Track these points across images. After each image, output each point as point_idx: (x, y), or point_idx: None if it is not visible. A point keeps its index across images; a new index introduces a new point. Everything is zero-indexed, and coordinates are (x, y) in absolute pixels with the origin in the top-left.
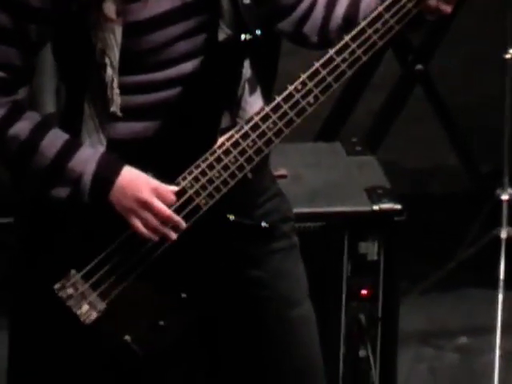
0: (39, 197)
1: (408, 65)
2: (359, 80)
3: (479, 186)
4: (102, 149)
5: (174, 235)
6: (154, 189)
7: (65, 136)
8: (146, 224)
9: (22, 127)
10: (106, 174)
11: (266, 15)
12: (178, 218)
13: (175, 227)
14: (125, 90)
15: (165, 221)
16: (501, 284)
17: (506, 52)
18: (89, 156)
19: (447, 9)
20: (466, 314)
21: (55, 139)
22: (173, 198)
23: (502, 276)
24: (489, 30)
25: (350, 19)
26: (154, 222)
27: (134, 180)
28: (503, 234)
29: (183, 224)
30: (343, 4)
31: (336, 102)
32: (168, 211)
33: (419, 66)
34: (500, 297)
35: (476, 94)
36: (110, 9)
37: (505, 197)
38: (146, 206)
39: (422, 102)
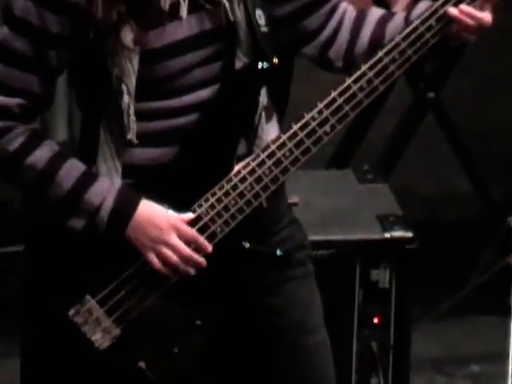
0: (55, 226)
1: (420, 92)
2: (371, 107)
3: (492, 212)
4: (119, 181)
5: (191, 272)
6: (173, 226)
7: (82, 167)
8: (164, 262)
9: (40, 156)
10: (124, 209)
11: (287, 40)
12: (198, 257)
13: (195, 265)
14: (141, 116)
15: (184, 259)
16: None
17: None
18: (106, 189)
19: (471, 38)
20: (479, 342)
21: (72, 170)
22: (192, 233)
23: None
24: (500, 56)
25: (376, 44)
26: (172, 258)
27: (152, 216)
28: None
29: (204, 262)
30: (369, 29)
31: (348, 129)
32: (187, 250)
33: (431, 94)
34: (511, 324)
35: (488, 120)
36: (127, 37)
37: None
38: (165, 244)
39: (434, 128)
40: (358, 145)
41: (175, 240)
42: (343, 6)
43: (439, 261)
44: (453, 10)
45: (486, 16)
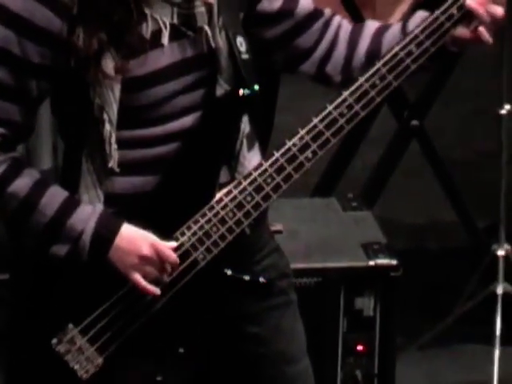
0: (38, 254)
1: (404, 120)
2: (355, 135)
3: (476, 241)
4: (100, 206)
5: (169, 269)
6: (153, 244)
7: (64, 193)
8: (147, 277)
9: (22, 185)
10: (106, 233)
11: (284, 60)
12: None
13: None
14: (123, 144)
15: (165, 273)
16: (497, 340)
17: (502, 107)
18: (88, 214)
19: (489, 38)
20: (463, 370)
21: (54, 197)
22: (171, 253)
23: (498, 332)
24: (484, 86)
25: (373, 56)
26: (155, 274)
27: (133, 238)
28: (499, 290)
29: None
30: (365, 41)
31: (332, 158)
32: (173, 256)
33: (415, 122)
34: (496, 353)
35: (472, 149)
36: (108, 66)
37: (501, 252)
38: (146, 260)
39: (418, 157)
40: (342, 173)
41: (154, 255)
42: (337, 20)
43: (423, 289)
44: (472, 3)
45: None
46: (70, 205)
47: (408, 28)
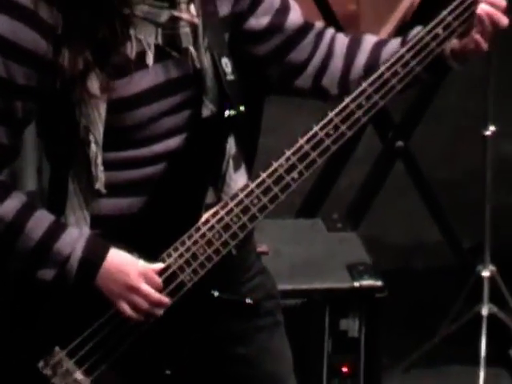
0: (24, 277)
1: (388, 141)
2: (340, 155)
3: (461, 261)
4: (87, 230)
5: (160, 312)
6: (142, 273)
7: (51, 217)
8: (134, 307)
9: (8, 208)
10: (93, 258)
11: (278, 76)
12: (166, 299)
13: (162, 306)
14: (110, 166)
15: (154, 304)
16: (482, 361)
17: (487, 129)
18: (75, 238)
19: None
20: None
21: (41, 220)
22: (159, 281)
23: (483, 353)
24: (469, 107)
25: (372, 68)
26: (143, 305)
27: (120, 264)
28: (484, 312)
29: (168, 302)
30: (363, 55)
31: (317, 178)
32: (157, 295)
33: (400, 143)
34: (482, 374)
35: (457, 169)
36: (94, 85)
37: (486, 273)
38: (134, 290)
39: (403, 177)
40: (327, 193)
41: (144, 287)
42: (330, 32)
43: (409, 310)
44: (480, 8)
45: (503, 17)
46: (57, 228)
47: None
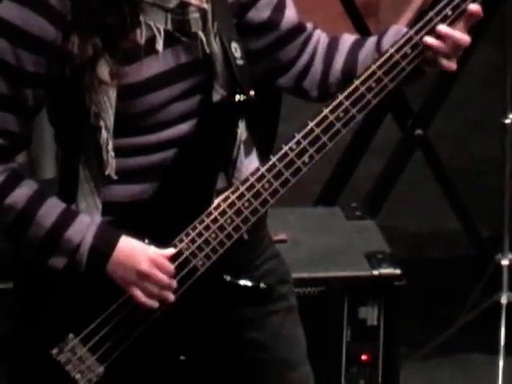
0: (36, 264)
1: (407, 129)
2: (359, 144)
3: (480, 250)
4: (98, 218)
5: (172, 297)
6: (153, 259)
7: (62, 205)
8: (146, 293)
9: (19, 196)
10: (103, 246)
11: (263, 73)
12: (175, 284)
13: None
14: (120, 152)
15: (164, 288)
16: (501, 349)
17: (506, 117)
18: (85, 226)
19: (451, 66)
20: (467, 380)
21: (52, 208)
22: (171, 267)
23: (502, 341)
24: (488, 95)
25: (349, 73)
26: (154, 290)
27: (131, 252)
28: (503, 300)
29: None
30: (341, 57)
31: (336, 167)
32: (167, 280)
33: (419, 131)
34: (501, 362)
35: (476, 158)
36: (103, 72)
37: (505, 262)
38: (145, 277)
39: (421, 166)
40: (345, 182)
41: (156, 272)
42: (316, 34)
43: (427, 298)
44: (429, 39)
45: (464, 36)
46: (68, 216)
47: (382, 44)
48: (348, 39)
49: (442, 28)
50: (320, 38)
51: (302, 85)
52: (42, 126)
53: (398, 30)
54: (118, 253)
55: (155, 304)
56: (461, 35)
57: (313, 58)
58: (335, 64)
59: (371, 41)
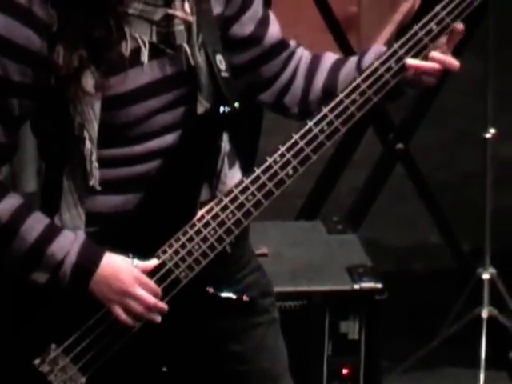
0: (18, 278)
1: (389, 143)
2: (341, 158)
3: (461, 264)
4: (82, 234)
5: (158, 318)
6: (137, 278)
7: (46, 220)
8: (128, 312)
9: (4, 209)
10: (87, 264)
11: (245, 88)
12: (162, 304)
13: (160, 311)
14: (104, 163)
15: (149, 308)
16: (482, 363)
17: (487, 131)
18: (69, 243)
19: (431, 81)
20: None
21: (36, 223)
22: (154, 286)
23: (483, 355)
24: (469, 109)
25: (329, 91)
26: (137, 309)
27: (115, 270)
28: (484, 314)
29: (166, 308)
30: (322, 75)
31: (317, 180)
32: (152, 299)
33: (400, 145)
34: (482, 376)
35: (457, 171)
36: (88, 83)
37: (486, 276)
38: (129, 295)
39: (403, 179)
40: (327, 196)
41: (139, 291)
42: (299, 51)
43: (408, 312)
44: (413, 62)
45: (454, 62)
46: (51, 232)
47: (363, 63)
48: (330, 58)
49: (436, 55)
50: (303, 55)
51: (283, 101)
52: (24, 139)
53: (378, 50)
54: (101, 271)
55: (136, 322)
56: (451, 60)
57: (295, 74)
58: (316, 82)
59: (352, 60)
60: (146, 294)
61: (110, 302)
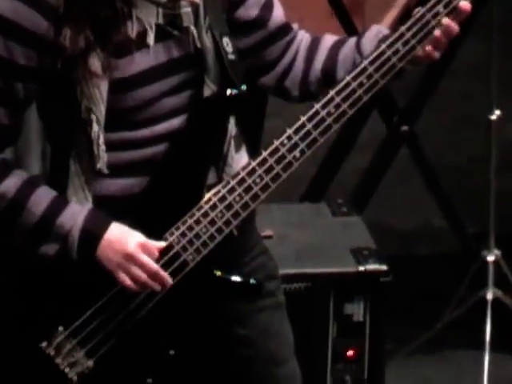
0: (27, 255)
1: (393, 126)
2: (345, 141)
3: (465, 246)
4: (89, 205)
5: (159, 288)
6: (141, 244)
7: (52, 193)
8: (132, 278)
9: (10, 185)
10: (94, 229)
11: (248, 70)
12: (164, 273)
13: (162, 282)
14: (111, 146)
15: (152, 275)
16: (487, 346)
17: (492, 113)
18: (76, 212)
19: (436, 55)
20: (453, 376)
21: (43, 196)
22: (157, 254)
23: (488, 338)
24: (474, 92)
25: (328, 72)
26: (141, 275)
27: (121, 235)
28: (489, 296)
29: (170, 280)
30: (321, 57)
31: (322, 163)
32: (155, 266)
33: (405, 128)
34: (486, 358)
35: (462, 154)
36: (95, 64)
37: (490, 258)
38: (133, 260)
39: (407, 162)
40: (331, 178)
41: (143, 257)
42: (300, 35)
43: (413, 295)
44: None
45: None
46: (59, 204)
47: (362, 45)
48: (329, 39)
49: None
50: (303, 38)
51: (284, 84)
52: (28, 123)
53: (378, 31)
54: (108, 236)
55: (141, 289)
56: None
57: (295, 57)
58: (316, 63)
59: (351, 41)
60: (149, 259)
61: (115, 268)
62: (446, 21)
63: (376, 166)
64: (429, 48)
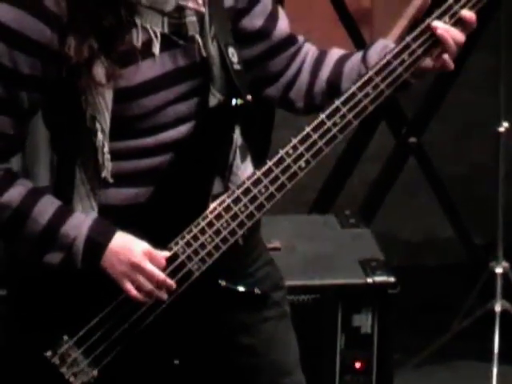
0: (32, 264)
1: (402, 137)
2: (353, 152)
3: (473, 258)
4: (94, 214)
5: (165, 297)
6: (147, 253)
7: (57, 202)
8: (138, 287)
9: (14, 194)
10: (98, 238)
11: (253, 81)
12: (170, 281)
13: (168, 292)
14: (116, 155)
15: (158, 284)
16: (495, 357)
17: (500, 125)
18: (81, 221)
19: (450, 65)
20: None
21: (47, 205)
22: (163, 262)
23: (496, 349)
24: (482, 103)
25: (334, 85)
26: (147, 285)
27: (126, 244)
28: (497, 307)
29: (174, 286)
30: (327, 69)
31: (330, 174)
32: (161, 274)
33: (413, 139)
34: (495, 370)
35: (470, 165)
36: (99, 73)
37: (499, 270)
38: (138, 269)
39: (415, 173)
40: (340, 190)
41: (149, 266)
42: (306, 47)
43: (421, 306)
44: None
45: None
46: (64, 213)
47: (368, 57)
48: (335, 53)
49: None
50: (309, 50)
51: (289, 96)
52: (37, 133)
53: (384, 45)
54: (113, 245)
55: (145, 299)
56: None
57: (300, 69)
58: (321, 75)
59: (358, 54)
60: (155, 269)
61: (121, 277)
62: (453, 31)
63: (384, 177)
64: (445, 56)
